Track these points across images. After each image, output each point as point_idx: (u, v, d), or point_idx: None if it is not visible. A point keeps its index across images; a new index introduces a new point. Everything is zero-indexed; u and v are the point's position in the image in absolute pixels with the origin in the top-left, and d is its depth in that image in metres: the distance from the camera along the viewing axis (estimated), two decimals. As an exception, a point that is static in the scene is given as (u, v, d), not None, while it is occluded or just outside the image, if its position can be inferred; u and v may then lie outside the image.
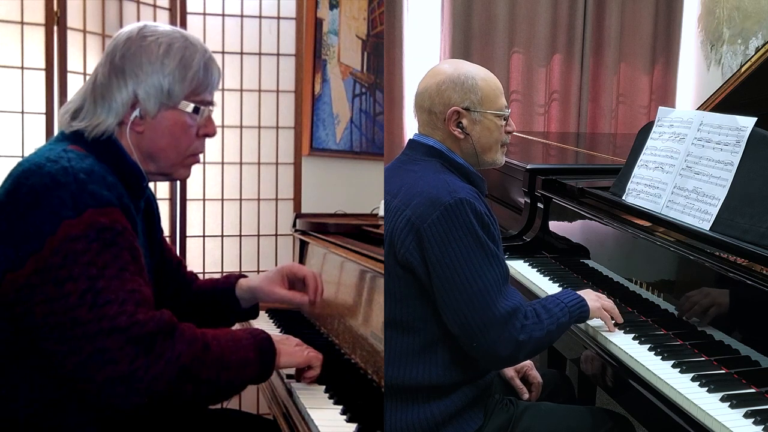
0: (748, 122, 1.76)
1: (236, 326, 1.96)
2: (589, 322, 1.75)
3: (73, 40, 2.76)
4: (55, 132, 1.56)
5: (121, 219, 1.34)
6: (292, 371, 1.70)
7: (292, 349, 1.57)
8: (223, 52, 3.07)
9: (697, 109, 2.24)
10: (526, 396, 1.85)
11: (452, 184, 1.59)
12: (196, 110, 1.48)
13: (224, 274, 1.92)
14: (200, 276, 3.15)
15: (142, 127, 1.45)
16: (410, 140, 1.73)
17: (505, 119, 1.71)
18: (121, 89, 1.43)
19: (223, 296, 1.80)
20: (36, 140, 2.65)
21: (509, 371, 1.87)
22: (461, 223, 1.53)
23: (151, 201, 1.65)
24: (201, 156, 1.57)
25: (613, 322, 1.74)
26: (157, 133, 1.46)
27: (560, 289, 2.06)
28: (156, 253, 1.65)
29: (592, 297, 1.73)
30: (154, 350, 1.27)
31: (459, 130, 1.67)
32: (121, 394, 1.26)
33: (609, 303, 1.75)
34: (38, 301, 1.27)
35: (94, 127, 1.43)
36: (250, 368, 1.41)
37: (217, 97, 1.54)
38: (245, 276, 1.84)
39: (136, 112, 1.44)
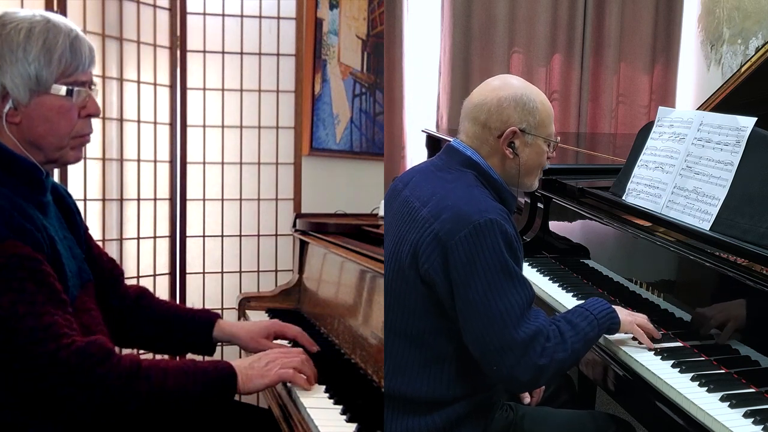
0: (748, 122, 1.76)
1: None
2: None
3: (73, 40, 2.75)
4: None
5: (14, 248, 1.32)
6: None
7: (261, 371, 1.52)
8: (223, 52, 3.07)
9: (697, 109, 2.24)
10: (527, 401, 1.85)
11: (483, 203, 1.56)
12: (69, 92, 1.44)
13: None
14: (200, 276, 3.15)
15: (19, 118, 1.42)
16: (449, 145, 1.70)
17: (551, 146, 1.71)
18: None
19: (199, 330, 1.79)
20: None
21: None
22: (489, 244, 1.50)
23: (64, 196, 1.62)
24: (90, 136, 1.52)
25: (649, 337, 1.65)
26: (34, 121, 1.43)
27: (560, 289, 2.06)
28: (83, 245, 1.63)
29: (623, 311, 1.68)
30: (78, 382, 1.31)
31: (510, 150, 1.65)
32: (60, 411, 1.33)
33: (642, 318, 1.69)
34: None
35: None
36: (191, 401, 1.41)
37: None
38: (220, 316, 1.84)
39: (9, 104, 1.41)
